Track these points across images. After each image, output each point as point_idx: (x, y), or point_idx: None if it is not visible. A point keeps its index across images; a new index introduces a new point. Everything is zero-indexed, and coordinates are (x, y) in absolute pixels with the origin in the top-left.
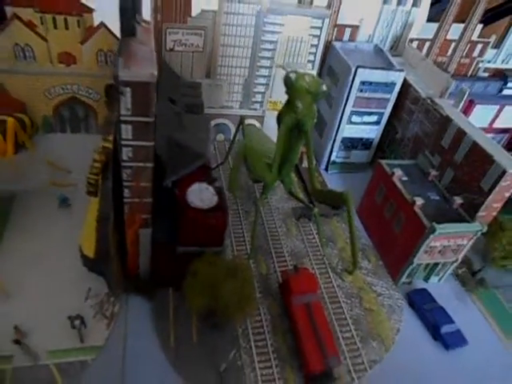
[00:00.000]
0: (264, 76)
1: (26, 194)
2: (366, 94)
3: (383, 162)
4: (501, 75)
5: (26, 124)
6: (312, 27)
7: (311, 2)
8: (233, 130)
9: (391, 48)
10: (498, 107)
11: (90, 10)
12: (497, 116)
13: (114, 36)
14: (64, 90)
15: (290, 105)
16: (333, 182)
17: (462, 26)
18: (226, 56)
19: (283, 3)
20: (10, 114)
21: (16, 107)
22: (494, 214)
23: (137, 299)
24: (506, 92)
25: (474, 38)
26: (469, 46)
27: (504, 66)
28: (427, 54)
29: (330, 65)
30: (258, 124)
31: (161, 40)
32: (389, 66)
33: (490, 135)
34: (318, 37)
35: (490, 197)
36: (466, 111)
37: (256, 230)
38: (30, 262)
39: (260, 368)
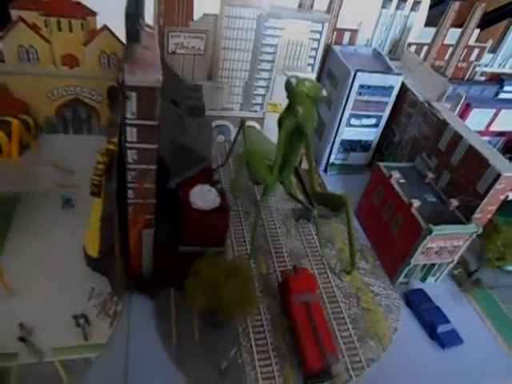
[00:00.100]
0: (264, 79)
1: (29, 194)
2: (365, 98)
3: (381, 164)
4: (497, 79)
5: (30, 125)
6: (312, 31)
7: (311, 7)
8: (233, 132)
9: (390, 52)
10: (494, 111)
11: (93, 14)
12: (493, 119)
13: (117, 39)
14: (67, 91)
15: (290, 109)
16: (331, 183)
17: (459, 30)
18: (227, 59)
19: (283, 7)
20: (15, 116)
21: (19, 108)
22: (489, 216)
23: (139, 298)
24: (502, 96)
25: (471, 42)
26: (466, 50)
27: (500, 70)
28: (425, 58)
29: (330, 68)
30: (258, 126)
31: (163, 43)
32: (387, 70)
33: (486, 138)
34: (318, 40)
35: (486, 199)
36: (463, 115)
37: (256, 230)
38: (35, 261)
39: (260, 366)
